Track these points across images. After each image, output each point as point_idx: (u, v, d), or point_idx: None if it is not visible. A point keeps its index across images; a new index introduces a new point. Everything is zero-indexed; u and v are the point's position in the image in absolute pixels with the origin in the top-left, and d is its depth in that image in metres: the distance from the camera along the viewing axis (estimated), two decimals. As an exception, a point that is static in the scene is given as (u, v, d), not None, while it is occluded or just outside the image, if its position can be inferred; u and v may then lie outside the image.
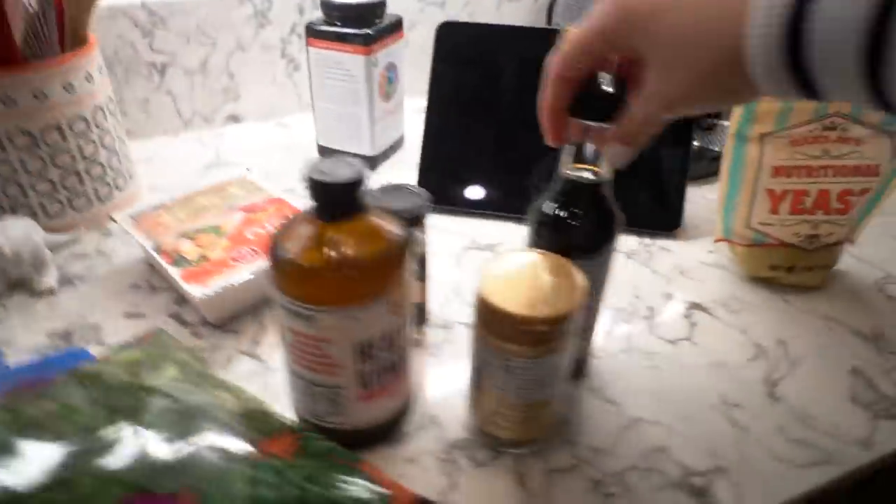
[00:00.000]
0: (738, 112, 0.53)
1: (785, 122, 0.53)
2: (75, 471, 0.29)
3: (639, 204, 0.67)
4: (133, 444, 0.32)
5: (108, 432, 0.33)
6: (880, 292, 0.60)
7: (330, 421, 0.41)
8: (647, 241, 0.67)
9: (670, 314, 0.57)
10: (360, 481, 0.34)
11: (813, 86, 0.26)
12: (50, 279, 0.58)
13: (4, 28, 0.55)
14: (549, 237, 0.42)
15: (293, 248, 0.36)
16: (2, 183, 0.61)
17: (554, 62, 0.35)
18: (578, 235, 0.41)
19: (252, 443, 0.34)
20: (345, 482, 0.33)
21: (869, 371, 0.51)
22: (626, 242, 0.67)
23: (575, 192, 0.41)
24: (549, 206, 0.41)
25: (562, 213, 0.41)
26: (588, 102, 0.36)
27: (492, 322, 0.37)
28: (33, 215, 0.62)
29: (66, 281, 0.59)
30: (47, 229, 0.63)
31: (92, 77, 0.62)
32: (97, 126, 0.63)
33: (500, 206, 0.68)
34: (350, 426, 0.41)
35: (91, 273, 0.60)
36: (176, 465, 0.31)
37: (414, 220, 0.45)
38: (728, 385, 0.50)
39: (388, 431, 0.44)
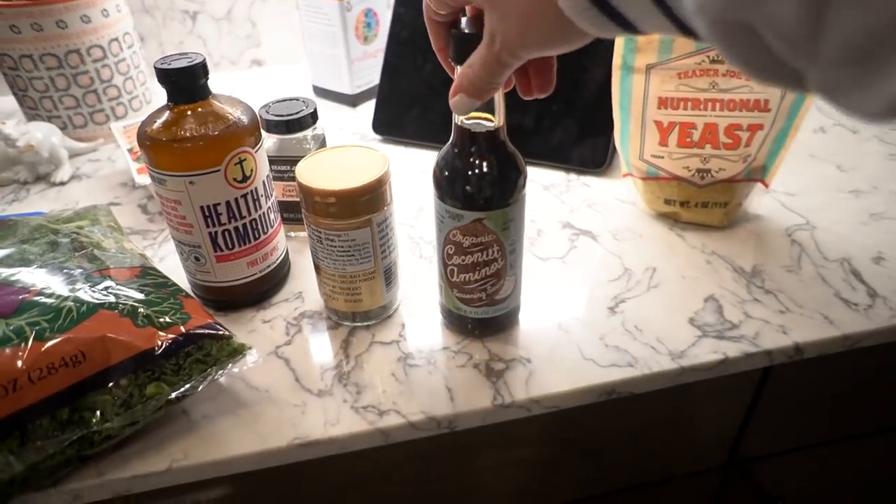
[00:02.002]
0: (620, 42, 0.55)
1: (668, 52, 0.54)
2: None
3: (568, 142, 0.70)
4: (18, 258, 0.44)
5: (6, 246, 0.45)
6: (788, 237, 0.59)
7: (200, 279, 0.51)
8: (572, 176, 0.70)
9: (555, 237, 0.61)
10: (172, 299, 0.43)
11: (623, 17, 0.26)
12: (63, 175, 0.73)
13: (35, -32, 0.69)
14: (450, 189, 0.42)
15: (147, 124, 0.45)
16: (38, 97, 0.76)
17: (423, 5, 0.37)
18: (483, 187, 0.41)
19: (100, 270, 0.44)
20: (159, 298, 0.43)
21: (725, 300, 0.52)
22: (550, 176, 0.70)
23: (470, 142, 0.41)
24: (446, 159, 0.42)
25: (457, 164, 0.42)
26: (452, 45, 0.37)
27: (306, 201, 0.45)
28: (63, 126, 0.78)
29: (76, 177, 0.74)
30: (74, 138, 0.78)
31: (108, 13, 0.75)
32: (112, 54, 0.77)
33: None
34: (216, 283, 0.51)
35: (96, 173, 0.75)
36: (33, 273, 0.42)
37: (300, 124, 0.53)
38: (575, 299, 0.53)
39: (255, 296, 0.53)
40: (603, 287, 0.54)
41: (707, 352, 0.47)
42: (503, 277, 0.45)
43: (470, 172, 0.41)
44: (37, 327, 0.38)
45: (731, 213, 0.60)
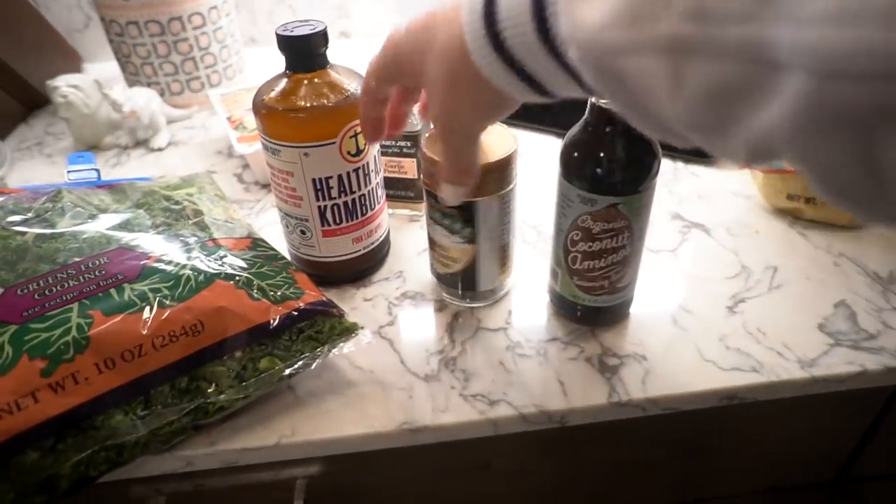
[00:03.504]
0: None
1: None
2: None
3: (677, 128, 0.66)
4: (135, 223, 0.44)
5: (121, 210, 0.45)
6: (926, 242, 0.54)
7: (303, 252, 0.50)
8: (679, 165, 0.66)
9: (665, 228, 0.57)
10: (284, 273, 0.43)
11: (527, 73, 0.27)
12: (161, 141, 0.74)
13: (144, -66, 0.70)
14: (581, 172, 0.40)
15: (264, 92, 0.44)
16: (140, 63, 0.77)
17: (363, 84, 0.37)
18: (616, 171, 0.39)
19: (213, 239, 0.44)
20: (271, 271, 0.42)
21: (858, 306, 0.48)
22: (656, 165, 0.67)
23: (608, 122, 0.38)
24: (580, 138, 0.40)
25: (593, 145, 0.39)
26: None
27: (428, 172, 0.43)
28: (161, 93, 0.79)
29: (173, 143, 0.75)
30: (172, 104, 0.79)
31: (210, -20, 0.75)
32: (211, 22, 0.77)
33: (521, 117, 0.71)
34: (319, 257, 0.50)
35: (192, 140, 0.75)
36: (151, 238, 0.42)
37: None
38: (690, 294, 0.50)
39: (357, 273, 0.52)
40: (719, 284, 0.51)
41: (841, 362, 0.44)
42: (628, 265, 0.43)
43: (608, 155, 0.38)
44: (159, 294, 0.38)
45: (862, 212, 0.55)
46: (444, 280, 0.49)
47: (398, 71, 0.34)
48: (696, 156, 0.66)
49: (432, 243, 0.47)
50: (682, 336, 0.46)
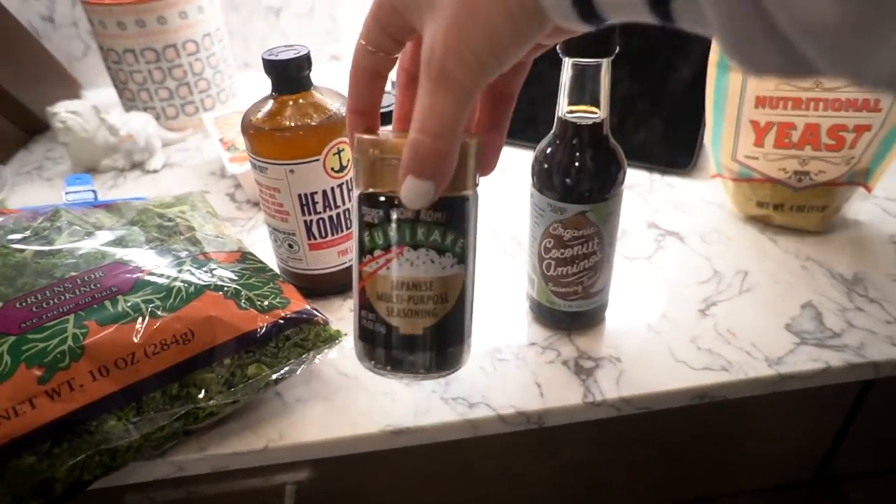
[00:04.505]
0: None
1: (770, 50, 0.52)
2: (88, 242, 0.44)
3: (652, 141, 0.69)
4: (130, 240, 0.46)
5: (116, 227, 0.47)
6: (893, 244, 0.56)
7: (292, 266, 0.53)
8: (656, 176, 0.69)
9: (640, 237, 0.59)
10: (271, 284, 0.45)
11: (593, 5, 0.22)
12: (157, 163, 0.76)
13: (139, -34, 0.73)
14: (550, 182, 0.42)
15: (252, 113, 0.47)
16: (137, 89, 0.80)
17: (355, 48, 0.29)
18: (583, 180, 0.41)
19: (203, 253, 0.46)
20: (259, 282, 0.44)
21: (824, 307, 0.50)
22: (634, 176, 0.69)
23: (574, 135, 0.40)
24: (549, 150, 0.42)
25: (560, 157, 0.41)
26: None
27: (372, 165, 0.36)
28: (157, 117, 0.81)
29: (168, 165, 0.77)
30: (167, 128, 0.82)
31: (203, 9, 0.78)
32: (205, 49, 0.80)
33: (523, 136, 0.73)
34: (307, 270, 0.52)
35: (186, 162, 0.78)
36: (144, 253, 0.44)
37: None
38: (664, 299, 0.52)
39: (343, 285, 0.54)
40: (692, 289, 0.53)
41: (807, 360, 0.45)
42: (600, 270, 0.45)
43: (575, 165, 0.41)
44: (151, 305, 0.40)
45: (829, 217, 0.57)
46: (408, 346, 0.30)
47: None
48: (672, 167, 0.68)
49: (394, 288, 0.29)
50: (656, 339, 0.48)
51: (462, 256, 0.30)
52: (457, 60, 0.24)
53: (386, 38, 0.28)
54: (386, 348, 0.31)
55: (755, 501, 0.62)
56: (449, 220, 0.29)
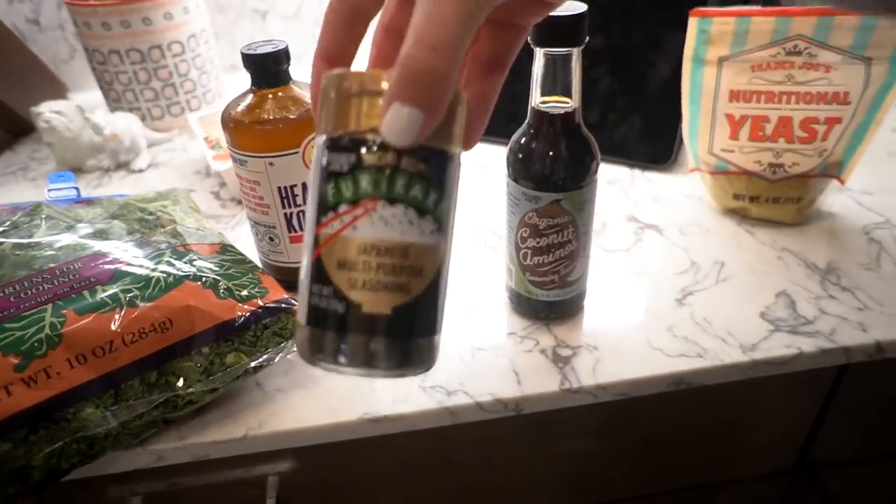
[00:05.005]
0: (691, 34, 0.55)
1: (742, 45, 0.53)
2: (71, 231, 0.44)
3: (632, 137, 0.70)
4: (110, 232, 0.47)
5: (98, 222, 0.48)
6: (865, 235, 0.57)
7: (273, 259, 0.53)
8: (636, 171, 0.70)
9: (620, 230, 0.60)
10: (250, 275, 0.45)
11: None
12: (142, 163, 0.76)
13: (124, -32, 0.73)
14: (525, 171, 0.43)
15: (231, 107, 0.47)
16: (122, 90, 0.80)
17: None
18: (557, 169, 0.42)
19: (184, 245, 0.46)
20: (238, 273, 0.45)
21: (798, 295, 0.51)
22: (615, 172, 0.70)
23: (547, 125, 0.41)
24: (523, 140, 0.43)
25: (534, 146, 0.42)
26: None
27: (344, 95, 0.28)
28: (142, 117, 0.82)
29: (153, 165, 0.78)
30: (153, 128, 0.82)
31: (188, 10, 0.79)
32: (190, 50, 0.81)
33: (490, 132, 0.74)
34: (288, 263, 0.52)
35: (171, 162, 0.78)
36: (124, 245, 0.45)
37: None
38: (642, 290, 0.53)
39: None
40: (670, 279, 0.54)
41: (780, 346, 0.46)
42: (576, 259, 0.45)
43: (549, 154, 0.41)
44: (129, 294, 0.40)
45: (804, 209, 0.58)
46: (371, 329, 0.24)
47: None
48: (652, 163, 0.69)
49: (361, 253, 0.24)
50: (633, 327, 0.49)
51: (442, 224, 0.25)
52: (465, 19, 0.20)
53: None
54: (342, 331, 0.24)
55: (738, 491, 0.63)
56: (432, 176, 0.24)
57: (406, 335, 0.25)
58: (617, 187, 0.67)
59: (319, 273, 0.24)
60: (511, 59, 0.29)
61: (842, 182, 0.58)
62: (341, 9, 0.25)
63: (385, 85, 0.22)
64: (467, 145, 0.28)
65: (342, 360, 0.24)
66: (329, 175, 0.24)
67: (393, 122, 0.21)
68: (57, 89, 0.94)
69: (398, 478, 0.52)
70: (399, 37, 0.24)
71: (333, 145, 0.24)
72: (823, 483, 0.61)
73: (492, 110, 0.29)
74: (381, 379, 0.30)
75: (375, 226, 0.23)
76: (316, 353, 0.25)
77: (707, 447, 0.58)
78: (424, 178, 0.24)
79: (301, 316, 0.25)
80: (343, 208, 0.24)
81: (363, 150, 0.23)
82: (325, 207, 0.24)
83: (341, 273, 0.24)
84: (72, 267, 0.42)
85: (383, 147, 0.23)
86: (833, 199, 0.60)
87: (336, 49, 0.26)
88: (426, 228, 0.24)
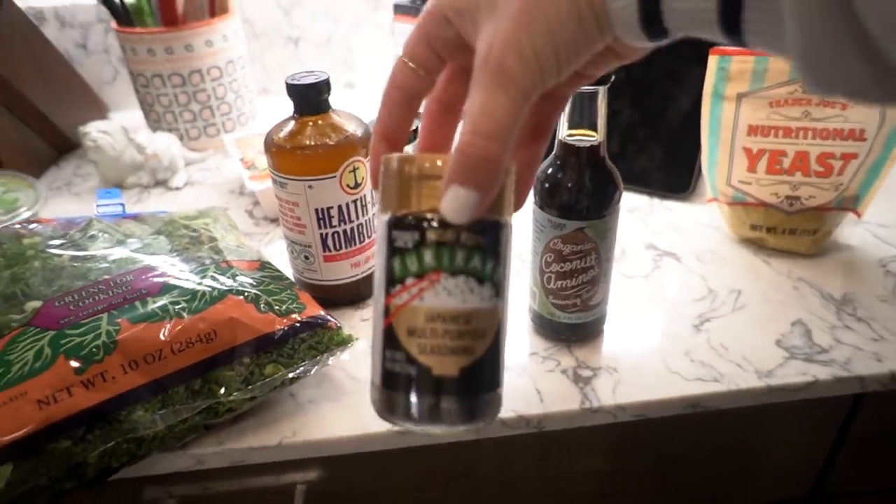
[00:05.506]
0: (711, 71, 0.57)
1: (761, 81, 0.56)
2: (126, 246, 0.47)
3: (652, 167, 0.72)
4: (157, 247, 0.50)
5: (146, 237, 0.51)
6: (882, 268, 0.59)
7: (307, 276, 0.56)
8: (655, 200, 0.72)
9: (639, 257, 0.62)
10: (289, 291, 0.48)
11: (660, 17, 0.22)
12: (179, 181, 0.80)
13: (171, 1, 0.78)
14: (551, 200, 0.45)
15: (274, 133, 0.51)
16: (163, 111, 0.84)
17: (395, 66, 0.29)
18: (581, 199, 0.44)
19: (226, 261, 0.49)
20: (277, 289, 0.47)
21: (813, 324, 0.52)
22: (634, 200, 0.72)
23: (573, 156, 0.44)
24: (550, 170, 0.45)
25: (560, 176, 0.44)
26: None
27: (405, 182, 0.31)
28: (181, 137, 0.86)
29: (189, 183, 0.81)
30: (189, 148, 0.86)
31: (227, 38, 0.83)
32: (228, 75, 0.85)
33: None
34: (321, 281, 0.55)
35: (207, 181, 0.82)
36: (171, 259, 0.47)
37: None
38: (659, 314, 0.55)
39: (355, 296, 0.57)
40: (687, 306, 0.55)
41: (795, 373, 0.48)
42: (598, 283, 0.47)
43: (574, 184, 0.44)
44: (177, 306, 0.43)
45: (820, 241, 0.60)
46: (442, 390, 0.27)
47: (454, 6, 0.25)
48: (671, 192, 0.72)
49: (428, 321, 0.26)
50: (651, 351, 0.51)
51: (499, 288, 0.27)
52: (517, 56, 0.23)
53: (430, 54, 0.27)
54: (417, 394, 0.26)
55: (751, 517, 0.63)
56: (489, 246, 0.26)
57: (473, 392, 0.27)
58: (636, 215, 0.69)
59: (391, 340, 0.27)
60: (553, 125, 0.31)
61: (858, 215, 0.59)
62: (398, 92, 0.28)
63: (441, 168, 0.25)
64: (517, 207, 0.30)
65: (416, 418, 0.27)
66: (395, 251, 0.26)
67: (452, 203, 0.24)
68: (98, 109, 0.99)
69: (420, 490, 0.54)
70: (449, 111, 0.28)
71: (398, 224, 0.26)
72: (838, 512, 0.62)
73: (536, 173, 0.32)
74: (452, 432, 0.34)
75: (440, 296, 0.26)
76: (392, 413, 0.28)
77: (721, 472, 0.59)
78: (481, 249, 0.26)
79: (376, 378, 0.28)
80: (410, 281, 0.26)
81: (426, 228, 0.26)
82: (393, 280, 0.26)
83: (411, 339, 0.26)
84: (124, 279, 0.45)
85: (443, 224, 0.25)
86: (850, 231, 0.62)
87: (394, 129, 0.29)
88: (485, 294, 0.27)
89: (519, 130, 0.24)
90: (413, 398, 0.27)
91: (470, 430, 0.29)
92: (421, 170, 0.26)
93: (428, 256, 0.26)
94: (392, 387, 0.27)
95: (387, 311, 0.27)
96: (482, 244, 0.26)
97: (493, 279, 0.27)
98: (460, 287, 0.26)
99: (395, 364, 0.27)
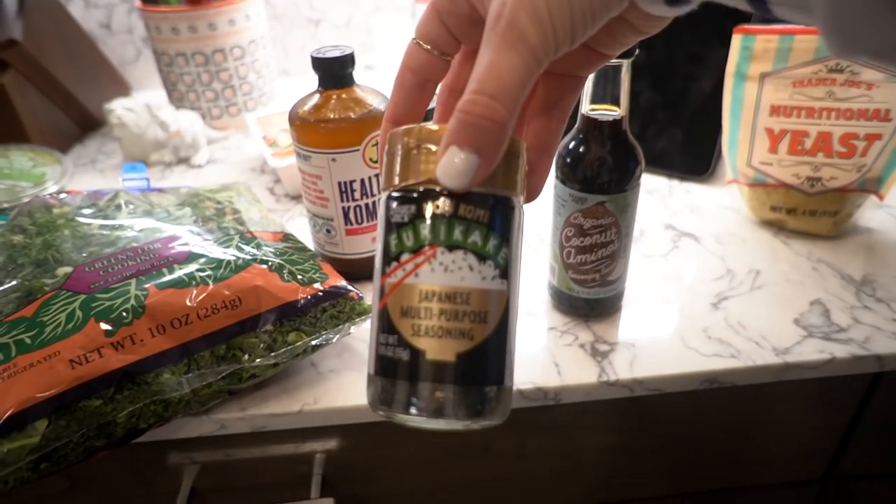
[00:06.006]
0: (734, 50, 0.57)
1: (785, 61, 0.55)
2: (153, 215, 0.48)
3: (672, 149, 0.72)
4: (182, 218, 0.51)
5: (170, 207, 0.52)
6: (902, 251, 0.58)
7: (328, 250, 0.56)
8: (675, 182, 0.72)
9: (658, 237, 0.62)
10: (311, 261, 0.48)
11: None
12: (201, 158, 0.81)
13: (194, -24, 0.79)
14: (573, 173, 0.45)
15: (299, 106, 0.51)
16: (186, 90, 0.85)
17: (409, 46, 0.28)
18: (603, 172, 0.44)
19: (250, 231, 0.50)
20: (300, 259, 0.48)
21: (832, 304, 0.52)
22: (653, 182, 0.72)
23: (595, 130, 0.44)
24: (572, 144, 0.46)
25: (582, 150, 0.45)
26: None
27: (408, 150, 0.30)
28: (203, 116, 0.87)
29: (211, 161, 0.82)
30: (211, 127, 0.87)
31: (250, 17, 0.84)
32: (250, 54, 0.86)
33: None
34: (342, 254, 0.56)
35: (228, 159, 0.83)
36: (197, 229, 0.48)
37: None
38: (677, 293, 0.55)
39: (374, 272, 0.58)
40: (706, 285, 0.56)
41: (813, 351, 0.48)
42: (617, 259, 0.48)
43: (596, 158, 0.44)
44: (203, 273, 0.44)
45: (841, 223, 0.60)
46: (436, 377, 0.24)
47: None
48: (690, 174, 0.71)
49: (423, 300, 0.24)
50: (668, 328, 0.51)
51: (505, 270, 0.25)
52: (531, 14, 0.21)
53: (443, 32, 0.26)
54: (410, 380, 0.24)
55: (766, 498, 0.64)
56: (492, 222, 0.24)
57: (472, 382, 0.24)
58: (655, 196, 0.69)
59: (385, 322, 0.25)
60: (570, 108, 0.30)
61: (881, 198, 0.59)
62: (410, 74, 0.27)
63: (440, 134, 0.23)
64: (532, 195, 0.29)
65: (412, 410, 0.24)
66: (392, 226, 0.25)
67: (448, 165, 0.22)
68: (121, 87, 1.00)
69: (435, 464, 0.55)
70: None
71: (395, 198, 0.25)
72: (852, 495, 0.62)
73: (554, 157, 0.30)
74: (454, 431, 0.28)
75: (436, 272, 0.24)
76: (386, 403, 0.25)
77: (734, 452, 0.59)
78: (483, 224, 0.24)
79: (370, 367, 0.26)
80: (405, 257, 0.24)
81: (422, 200, 0.24)
82: (388, 258, 0.25)
83: (405, 321, 0.24)
84: (152, 247, 0.46)
85: (442, 195, 0.24)
86: (871, 214, 0.61)
87: (404, 113, 0.28)
88: (487, 274, 0.24)
89: (525, 96, 0.22)
90: (408, 386, 0.24)
91: (471, 430, 0.26)
92: (419, 138, 0.25)
93: (423, 229, 0.24)
94: (386, 374, 0.25)
95: (381, 292, 0.25)
96: (484, 218, 0.24)
97: (496, 258, 0.25)
98: (458, 263, 0.24)
99: (389, 349, 0.25)
